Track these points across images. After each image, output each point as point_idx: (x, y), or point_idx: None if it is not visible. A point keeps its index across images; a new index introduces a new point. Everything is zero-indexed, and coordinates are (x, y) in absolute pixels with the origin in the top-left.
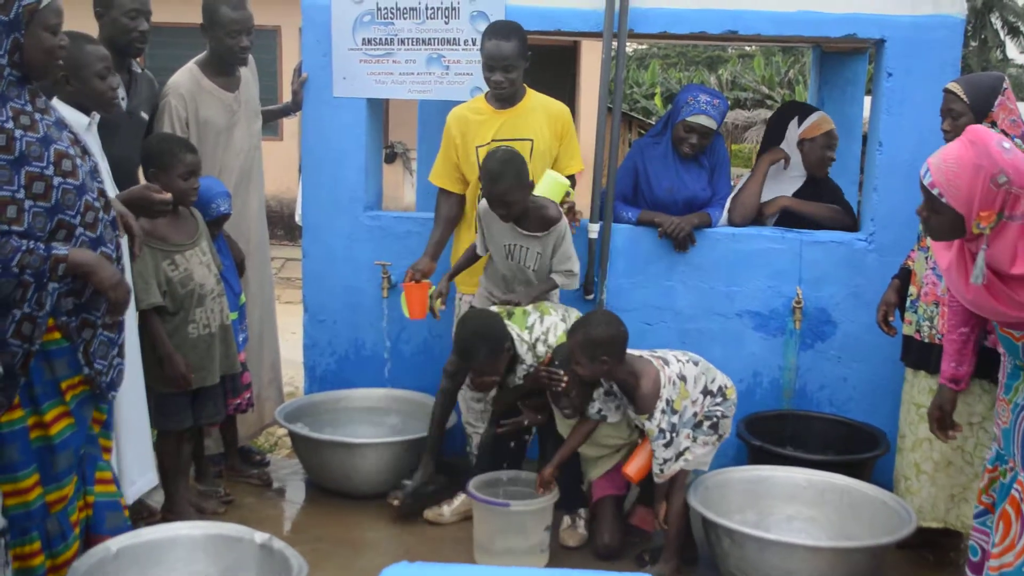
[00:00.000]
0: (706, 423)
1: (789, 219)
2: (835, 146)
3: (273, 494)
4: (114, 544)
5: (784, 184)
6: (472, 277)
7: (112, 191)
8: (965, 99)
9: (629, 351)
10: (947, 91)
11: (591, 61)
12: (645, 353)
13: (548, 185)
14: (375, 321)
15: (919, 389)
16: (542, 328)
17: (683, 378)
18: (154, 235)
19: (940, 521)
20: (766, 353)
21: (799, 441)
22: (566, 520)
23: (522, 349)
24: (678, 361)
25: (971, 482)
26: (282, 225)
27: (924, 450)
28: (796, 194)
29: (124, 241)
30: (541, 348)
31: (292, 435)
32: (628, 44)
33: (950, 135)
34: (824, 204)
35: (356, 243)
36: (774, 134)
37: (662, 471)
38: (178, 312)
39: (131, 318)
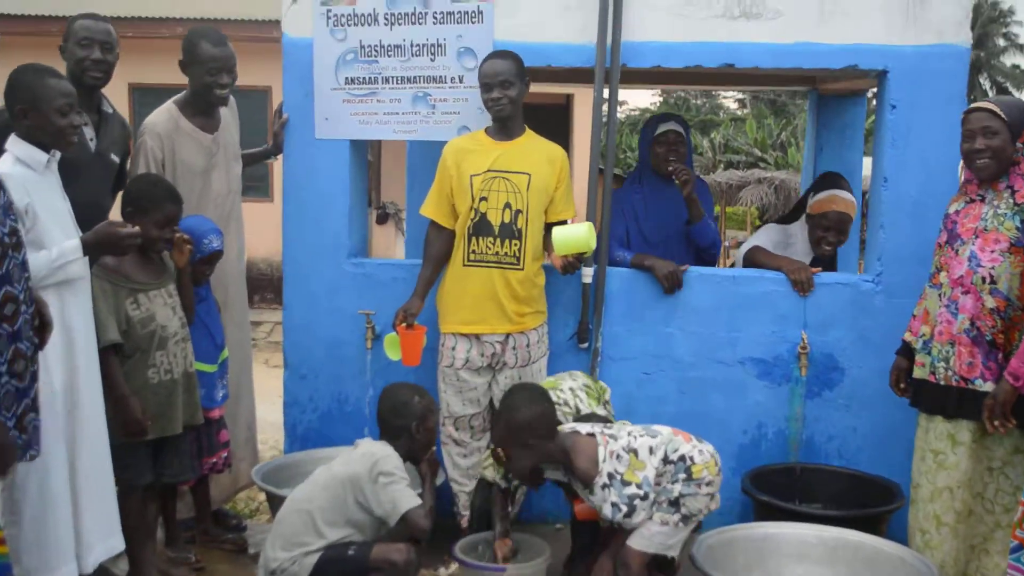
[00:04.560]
0: (664, 499)
1: None
2: (838, 228)
3: (248, 560)
4: None
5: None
6: (459, 315)
7: (75, 231)
8: (1004, 116)
9: (578, 427)
10: (982, 108)
11: (584, 116)
12: (597, 428)
13: (573, 239)
14: (358, 374)
15: (936, 435)
16: (563, 399)
17: (632, 451)
18: (119, 272)
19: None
20: (771, 402)
21: (808, 495)
22: None
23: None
24: (630, 435)
25: (992, 531)
26: (272, 288)
27: (944, 500)
28: None
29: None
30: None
31: (270, 497)
32: (619, 109)
33: (984, 154)
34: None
35: (339, 292)
36: (801, 203)
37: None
38: (135, 353)
39: (91, 362)
